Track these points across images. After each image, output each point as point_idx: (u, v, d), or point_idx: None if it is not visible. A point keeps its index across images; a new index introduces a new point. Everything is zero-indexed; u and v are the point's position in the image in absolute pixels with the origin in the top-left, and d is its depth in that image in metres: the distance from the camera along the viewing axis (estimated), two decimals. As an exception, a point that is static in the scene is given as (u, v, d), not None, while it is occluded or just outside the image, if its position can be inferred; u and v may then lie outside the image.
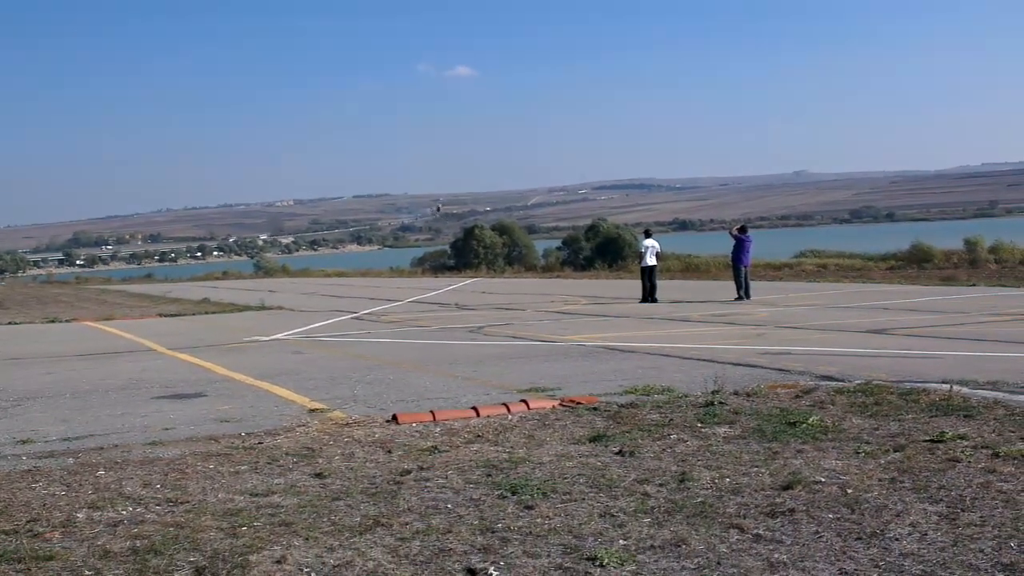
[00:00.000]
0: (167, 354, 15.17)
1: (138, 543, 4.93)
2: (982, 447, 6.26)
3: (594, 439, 7.04)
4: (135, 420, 8.82)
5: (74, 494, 6.02)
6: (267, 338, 17.30)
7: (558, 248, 69.02)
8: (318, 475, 6.27)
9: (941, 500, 5.16)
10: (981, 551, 4.35)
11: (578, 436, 7.21)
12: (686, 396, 8.70)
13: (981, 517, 4.84)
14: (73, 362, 14.52)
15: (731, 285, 23.98)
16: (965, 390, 8.33)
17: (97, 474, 6.55)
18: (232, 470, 6.54)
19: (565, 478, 5.94)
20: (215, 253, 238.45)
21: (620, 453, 6.55)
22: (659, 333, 15.62)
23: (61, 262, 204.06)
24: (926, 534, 4.63)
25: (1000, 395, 8.13)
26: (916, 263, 39.77)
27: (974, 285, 25.48)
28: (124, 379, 12.00)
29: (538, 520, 5.08)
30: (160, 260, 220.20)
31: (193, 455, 7.07)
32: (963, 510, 4.97)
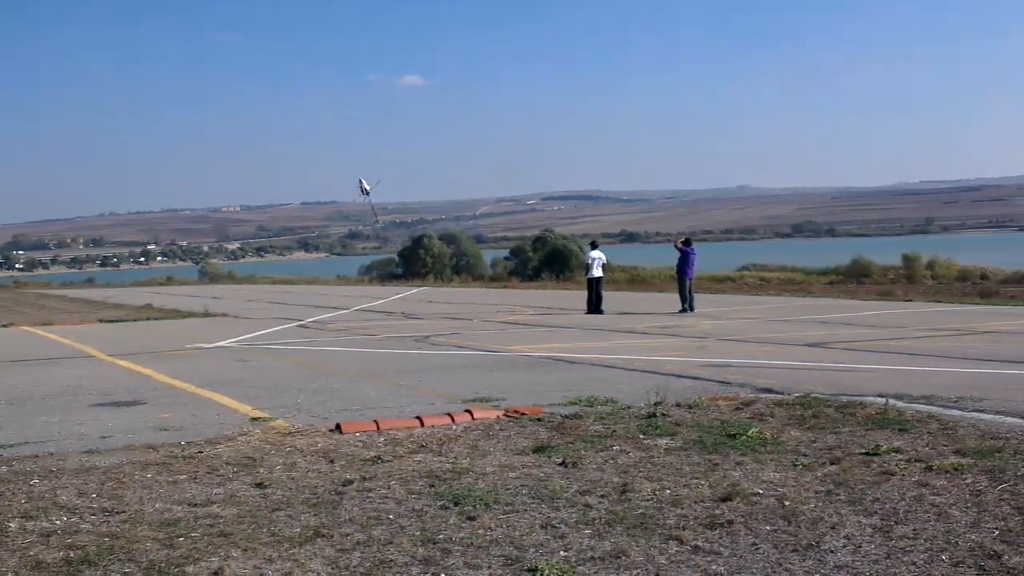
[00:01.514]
0: (107, 360, 14.91)
1: (72, 553, 4.84)
2: (916, 460, 6.41)
3: (538, 450, 7.07)
4: (72, 428, 8.65)
5: (6, 503, 5.89)
6: (210, 345, 17.09)
7: (506, 258, 69.25)
8: (259, 485, 6.21)
9: (875, 513, 5.27)
10: (914, 564, 4.45)
11: (522, 447, 7.23)
12: (629, 408, 8.77)
13: (914, 530, 4.95)
14: (9, 367, 14.20)
15: (676, 297, 24.22)
16: (900, 404, 8.51)
17: (31, 483, 6.42)
18: (170, 479, 6.45)
19: (508, 489, 5.96)
20: (159, 258, 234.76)
21: (563, 464, 6.58)
22: (604, 344, 15.72)
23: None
24: (860, 546, 4.72)
25: (934, 409, 8.32)
26: (855, 277, 40.59)
27: (911, 300, 26.04)
28: (62, 386, 11.77)
29: (480, 531, 5.09)
30: (102, 265, 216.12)
31: (131, 464, 6.95)
32: (896, 523, 5.08)
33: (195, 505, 5.76)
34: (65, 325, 24.04)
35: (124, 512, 5.63)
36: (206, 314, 26.59)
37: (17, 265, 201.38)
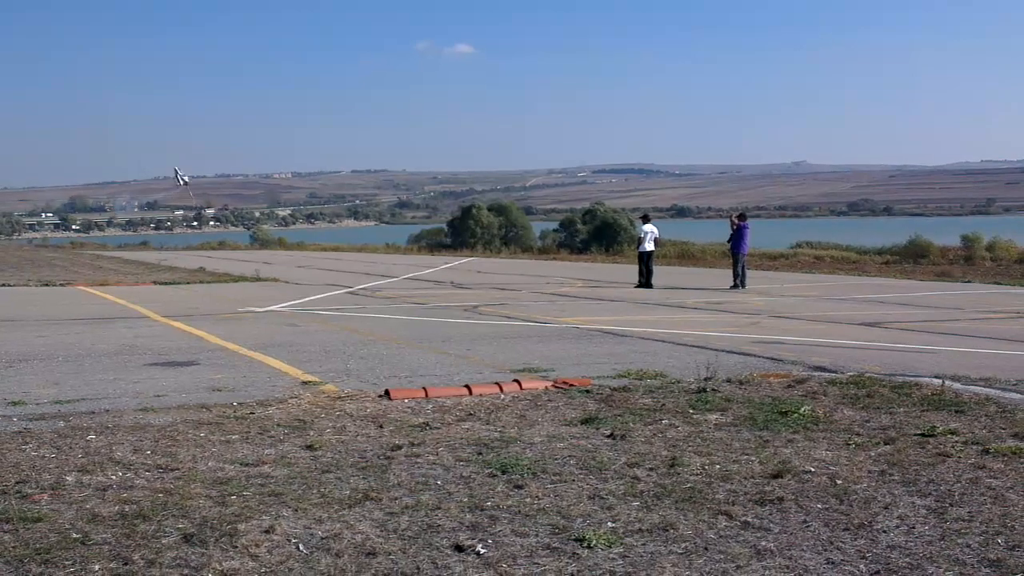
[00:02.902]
0: (161, 321, 15.15)
1: (127, 508, 4.92)
2: (972, 443, 6.28)
3: (585, 421, 7.05)
4: (127, 386, 8.81)
5: (64, 457, 6.01)
6: (262, 309, 17.28)
7: (555, 230, 68.96)
8: (309, 447, 6.27)
9: (930, 494, 5.18)
10: (968, 546, 4.37)
11: (570, 418, 7.21)
12: (679, 382, 8.71)
13: (969, 512, 4.85)
14: (67, 326, 14.49)
15: (726, 273, 23.99)
16: (957, 385, 8.35)
17: (88, 438, 6.55)
18: (223, 439, 6.54)
19: (555, 459, 5.95)
20: (211, 223, 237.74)
21: (611, 436, 6.56)
22: (654, 318, 15.62)
23: (57, 226, 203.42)
24: (914, 527, 4.64)
25: (992, 392, 8.15)
26: (912, 258, 39.81)
27: (969, 282, 25.51)
28: (117, 345, 11.98)
29: (527, 500, 5.09)
30: (156, 228, 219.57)
31: (184, 423, 7.06)
32: (951, 505, 4.98)
33: (247, 465, 5.83)
34: (120, 286, 24.48)
35: (178, 469, 5.72)
36: (257, 279, 26.90)
37: (74, 226, 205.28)
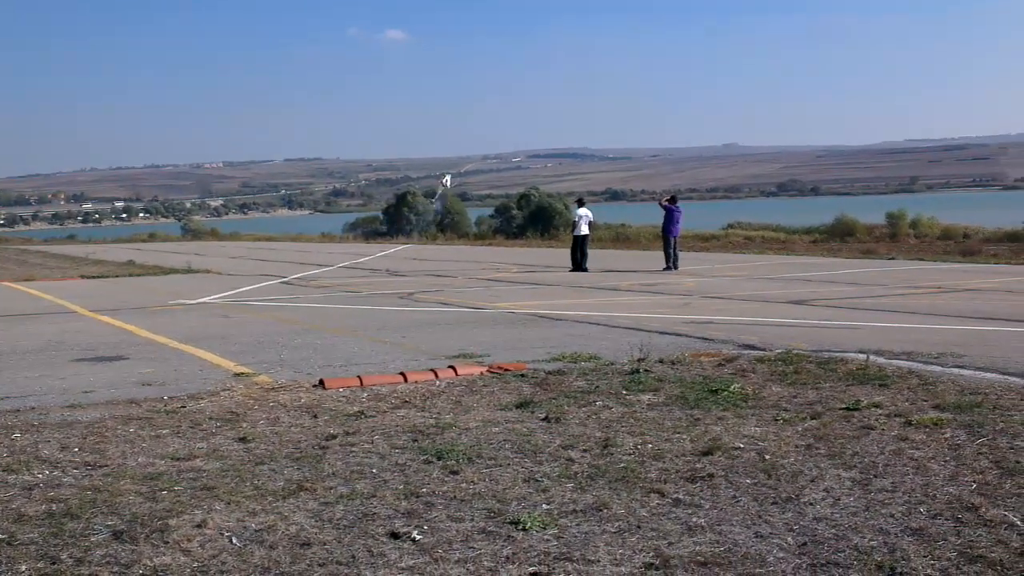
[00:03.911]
0: (88, 316, 14.84)
1: (54, 507, 4.83)
2: (895, 415, 6.46)
3: (521, 405, 7.09)
4: (53, 382, 8.62)
5: (-12, 457, 5.87)
6: (193, 301, 17.02)
7: (491, 216, 68.88)
8: (242, 439, 6.21)
9: (855, 466, 5.32)
10: (891, 516, 4.50)
11: (505, 402, 7.25)
12: (612, 364, 8.80)
13: (892, 483, 5.00)
14: (-11, 323, 14.10)
15: (660, 256, 24.25)
16: (881, 360, 8.57)
17: (13, 436, 6.40)
18: (153, 434, 6.44)
19: (491, 444, 5.98)
20: (141, 215, 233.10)
21: (546, 419, 6.61)
22: (588, 302, 15.74)
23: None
24: (839, 499, 4.77)
25: (914, 365, 8.39)
26: (839, 236, 40.62)
27: (893, 259, 26.15)
28: (43, 340, 11.71)
29: (463, 485, 5.11)
30: (84, 221, 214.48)
31: (113, 418, 6.94)
32: (875, 476, 5.13)
33: (178, 459, 5.75)
34: (47, 281, 23.90)
35: (107, 466, 5.63)
36: (189, 270, 26.46)
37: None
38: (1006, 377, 7.77)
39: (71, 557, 4.14)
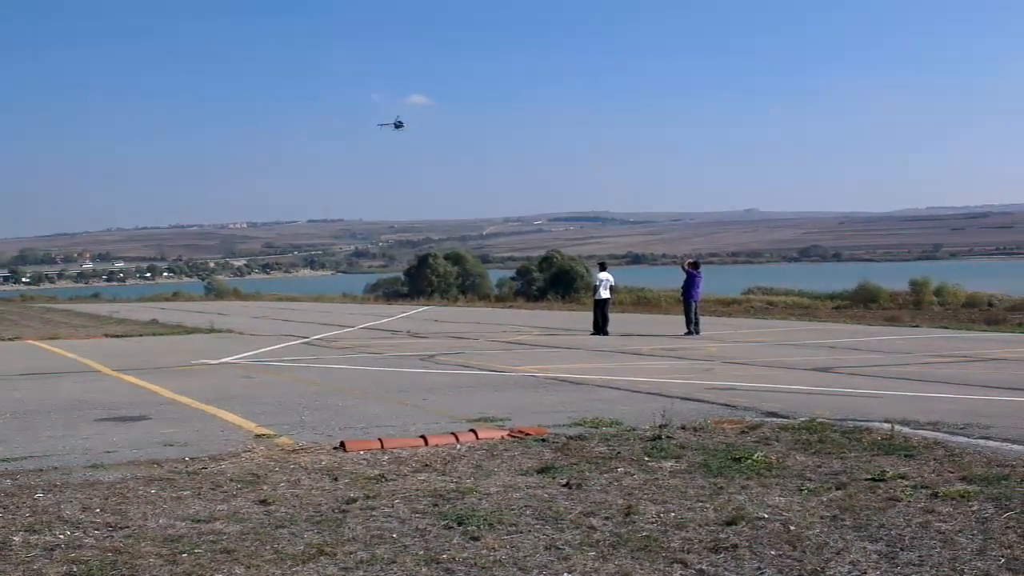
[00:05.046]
0: (112, 375, 14.93)
1: (75, 568, 4.83)
2: (922, 487, 6.38)
3: (542, 471, 7.05)
4: (76, 442, 8.66)
5: (11, 516, 5.89)
6: (216, 361, 17.10)
7: (512, 278, 69.24)
8: (262, 502, 6.20)
9: (881, 539, 5.24)
10: (918, 589, 4.42)
11: (526, 467, 7.21)
12: (634, 429, 8.75)
13: (919, 556, 4.92)
14: (15, 381, 14.22)
15: (682, 320, 24.21)
16: (906, 430, 8.48)
17: (35, 496, 6.42)
18: (174, 495, 6.44)
19: (512, 509, 5.94)
20: (165, 274, 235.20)
21: (567, 485, 6.57)
22: (609, 366, 15.70)
23: (6, 279, 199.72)
24: (865, 572, 4.70)
25: (940, 435, 8.29)
26: (862, 303, 40.49)
27: (918, 326, 25.98)
28: (67, 400, 11.78)
29: (483, 551, 5.08)
30: (108, 280, 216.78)
31: (135, 479, 6.95)
32: (902, 549, 5.05)
33: (198, 521, 5.75)
34: (71, 339, 24.09)
35: (128, 527, 5.63)
36: (212, 330, 26.62)
37: (24, 279, 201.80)
38: (1034, 449, 7.65)
39: (91, 620, 4.12)
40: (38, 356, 19.15)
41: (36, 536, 5.45)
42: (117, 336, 25.15)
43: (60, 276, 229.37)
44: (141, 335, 25.45)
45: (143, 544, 5.25)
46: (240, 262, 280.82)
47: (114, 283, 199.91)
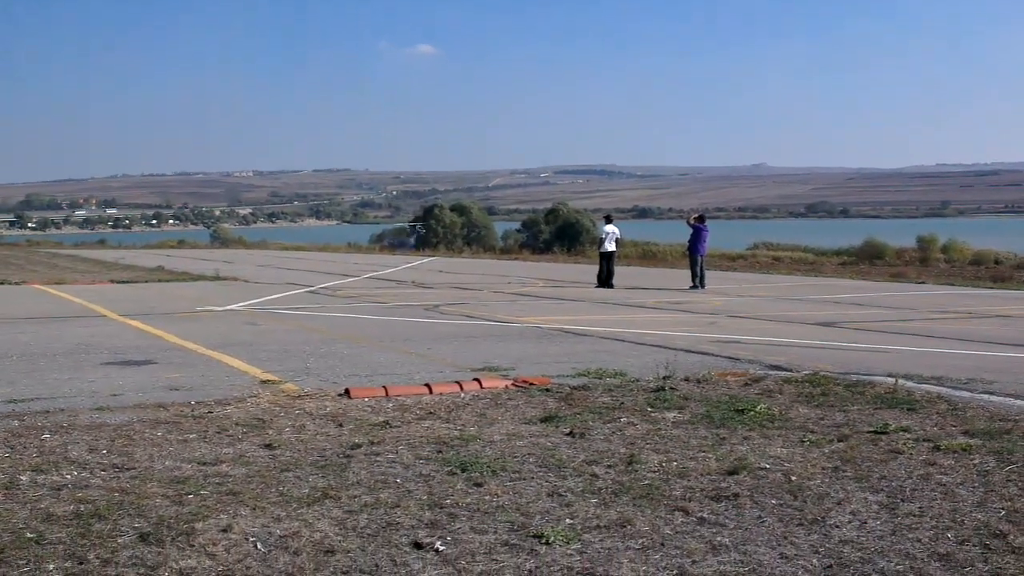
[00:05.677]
0: (118, 320, 14.98)
1: (82, 507, 4.88)
2: (924, 440, 6.40)
3: (545, 420, 7.08)
4: (83, 385, 8.71)
5: (18, 456, 5.94)
6: (221, 308, 17.15)
7: (517, 230, 69.17)
8: (267, 446, 6.25)
9: (882, 490, 5.27)
10: (918, 540, 4.46)
11: (530, 416, 7.25)
12: (637, 381, 8.77)
13: (920, 508, 4.95)
14: (21, 325, 14.28)
15: (687, 274, 24.18)
16: (910, 384, 8.50)
17: (42, 437, 6.47)
18: (180, 438, 6.49)
19: (515, 457, 5.98)
20: (171, 221, 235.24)
21: (570, 434, 6.60)
22: (614, 318, 15.71)
23: (12, 224, 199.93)
24: (866, 522, 4.72)
25: (943, 390, 8.31)
26: (868, 259, 40.40)
27: (923, 283, 25.93)
28: (73, 343, 11.84)
29: (486, 497, 5.11)
30: (114, 226, 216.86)
31: (141, 422, 7.00)
32: (903, 500, 5.08)
33: (204, 464, 5.79)
34: (77, 284, 24.17)
35: (134, 468, 5.68)
36: (217, 278, 26.67)
37: (29, 224, 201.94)
38: (1037, 404, 7.67)
39: (98, 558, 4.17)
40: (44, 300, 19.21)
41: (43, 476, 5.50)
42: (123, 282, 25.23)
43: (66, 222, 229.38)
44: (147, 281, 25.52)
45: (149, 485, 5.30)
46: (246, 211, 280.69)
47: (120, 229, 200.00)
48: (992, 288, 24.53)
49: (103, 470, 5.65)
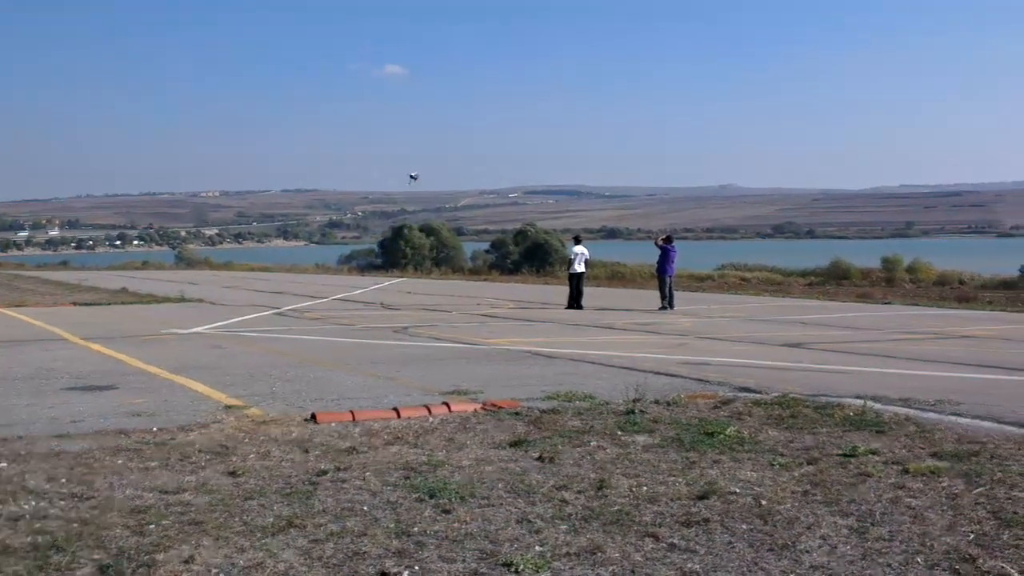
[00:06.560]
0: (80, 344, 14.74)
1: (39, 539, 4.75)
2: (893, 462, 6.40)
3: (515, 444, 7.02)
4: (42, 411, 8.53)
5: (-27, 487, 5.78)
6: (185, 331, 16.94)
7: (486, 251, 69.10)
8: (231, 473, 6.13)
9: (851, 514, 5.26)
10: (889, 565, 4.44)
11: (499, 440, 7.18)
12: (607, 403, 8.73)
13: (890, 532, 4.94)
14: (-20, 349, 14.00)
15: (656, 294, 24.24)
16: (878, 406, 8.52)
17: (-1, 466, 6.31)
18: (141, 466, 6.36)
19: (484, 482, 5.91)
20: (135, 242, 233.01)
21: (540, 459, 6.54)
22: (583, 340, 15.69)
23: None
24: (836, 547, 4.70)
25: (911, 411, 8.34)
26: (835, 280, 40.75)
27: (889, 303, 26.17)
28: (33, 368, 11.62)
29: (455, 524, 5.04)
30: (77, 247, 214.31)
31: (101, 449, 6.85)
32: (872, 524, 5.07)
33: (166, 492, 5.67)
34: (38, 307, 23.79)
35: (94, 498, 5.54)
36: (182, 299, 26.38)
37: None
38: (1003, 426, 7.72)
39: (54, 592, 4.05)
40: (4, 323, 18.88)
41: (0, 507, 5.35)
42: (86, 304, 24.87)
43: (28, 243, 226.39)
44: (110, 303, 25.17)
45: (109, 515, 5.17)
46: (212, 231, 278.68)
47: (83, 251, 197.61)
48: (957, 308, 24.79)
49: (62, 500, 5.51)
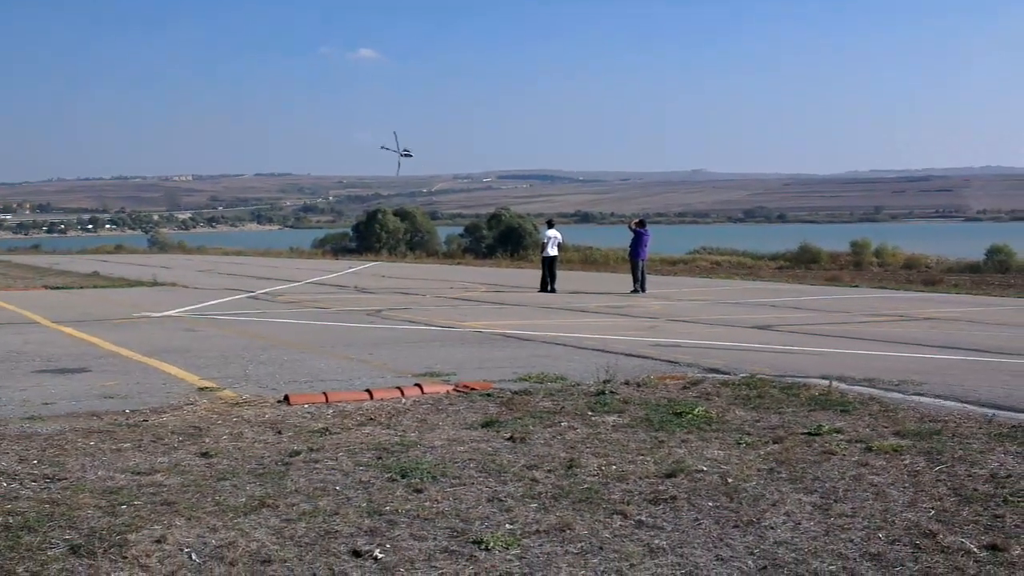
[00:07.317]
0: (51, 327, 14.65)
1: (11, 519, 4.77)
2: (856, 441, 6.53)
3: (486, 425, 7.09)
4: (13, 394, 8.50)
5: (-56, 469, 5.78)
6: (158, 314, 16.87)
7: (460, 235, 68.97)
8: (204, 454, 6.16)
9: (815, 491, 5.37)
10: (851, 541, 4.54)
11: (470, 421, 7.25)
12: (578, 385, 8.82)
13: (852, 508, 5.05)
14: (-52, 333, 13.89)
15: (628, 278, 24.38)
16: (843, 386, 8.67)
17: (-30, 449, 6.30)
18: (114, 447, 6.37)
19: (455, 462, 5.97)
20: (108, 226, 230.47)
21: (511, 439, 6.61)
22: (556, 322, 15.78)
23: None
24: (800, 523, 4.81)
25: (876, 391, 8.49)
26: (804, 263, 41.08)
27: (857, 286, 26.46)
28: (4, 351, 11.55)
29: (426, 503, 5.10)
30: (49, 231, 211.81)
31: (73, 431, 6.86)
32: (836, 501, 5.18)
33: (138, 473, 5.70)
34: (9, 291, 23.58)
35: (66, 479, 5.56)
36: (155, 283, 26.24)
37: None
38: (964, 405, 7.88)
39: (27, 571, 4.08)
40: (-26, 308, 18.71)
41: (-29, 488, 5.36)
42: (57, 288, 24.68)
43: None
44: (82, 287, 24.99)
45: (82, 496, 5.19)
46: (185, 215, 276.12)
47: (55, 235, 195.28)
48: (923, 291, 25.12)
49: (33, 481, 5.52)
